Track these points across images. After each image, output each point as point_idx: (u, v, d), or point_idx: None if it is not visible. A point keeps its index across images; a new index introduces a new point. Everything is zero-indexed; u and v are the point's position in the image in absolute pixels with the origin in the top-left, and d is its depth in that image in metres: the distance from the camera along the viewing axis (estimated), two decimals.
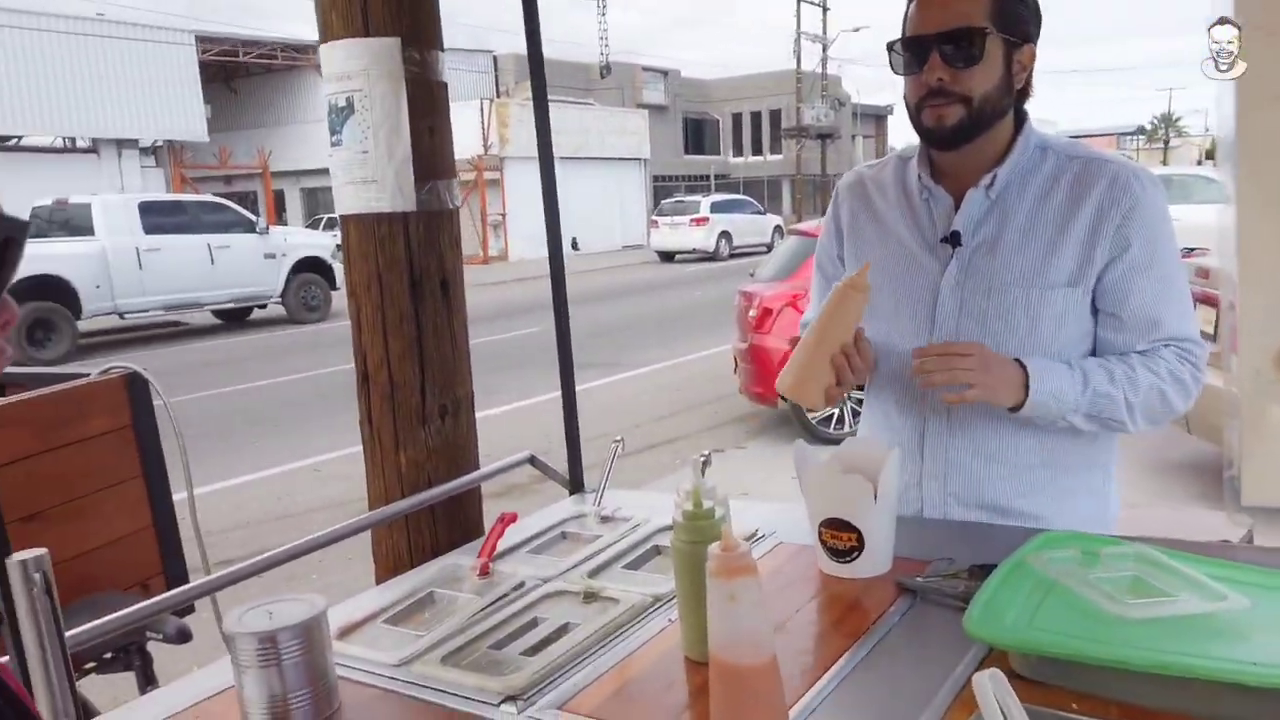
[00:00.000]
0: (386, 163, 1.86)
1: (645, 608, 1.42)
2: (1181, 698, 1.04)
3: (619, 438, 1.96)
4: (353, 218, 1.91)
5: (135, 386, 2.07)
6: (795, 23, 35.08)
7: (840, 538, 1.45)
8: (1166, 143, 70.04)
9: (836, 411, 7.03)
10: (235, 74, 30.24)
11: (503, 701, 1.19)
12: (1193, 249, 7.56)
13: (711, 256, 25.21)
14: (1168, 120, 72.41)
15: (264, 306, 16.72)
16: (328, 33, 1.86)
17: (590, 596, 1.47)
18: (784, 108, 39.45)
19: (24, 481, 1.92)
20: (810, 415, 7.02)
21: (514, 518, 1.71)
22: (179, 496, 2.35)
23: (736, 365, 7.57)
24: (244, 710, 1.17)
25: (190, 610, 2.18)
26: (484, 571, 1.58)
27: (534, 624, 1.42)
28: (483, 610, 1.44)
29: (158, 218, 14.90)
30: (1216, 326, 4.96)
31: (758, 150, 43.06)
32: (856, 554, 1.44)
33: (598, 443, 2.22)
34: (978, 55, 1.50)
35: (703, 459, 1.70)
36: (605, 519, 1.82)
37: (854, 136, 45.06)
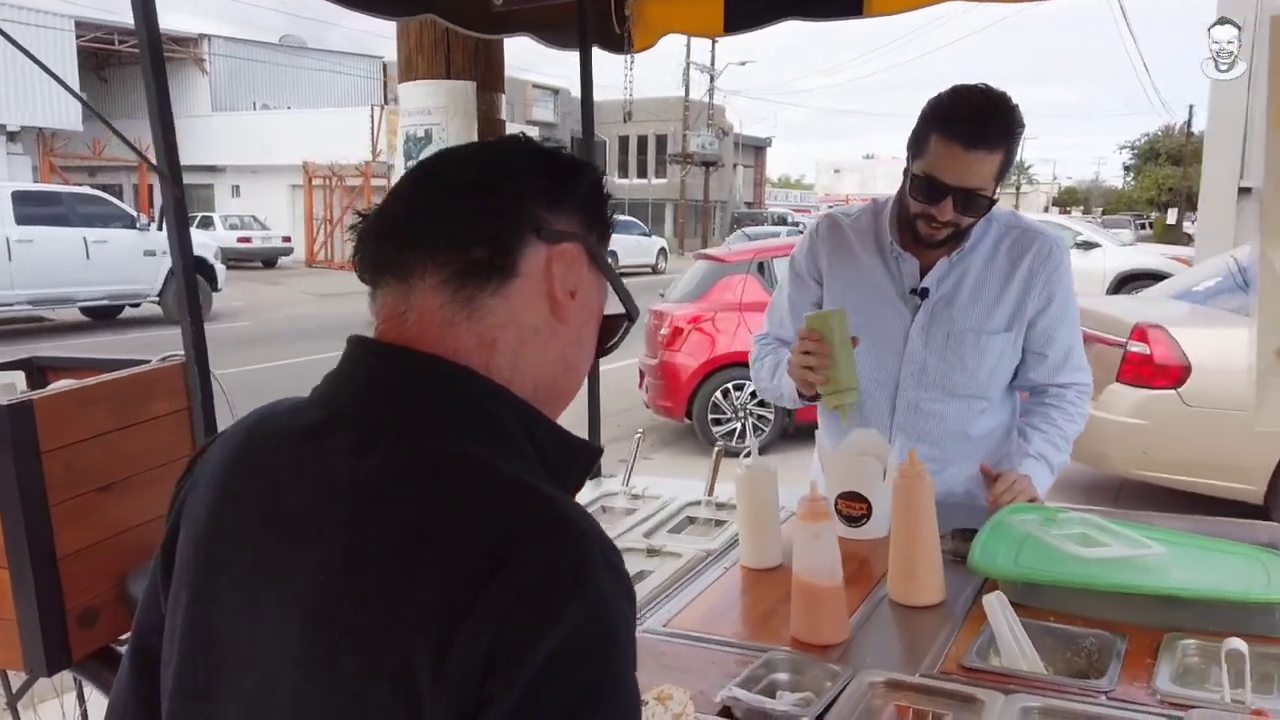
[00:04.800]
0: None
1: (702, 559, 1.76)
2: (1124, 610, 1.46)
3: (640, 430, 2.29)
4: None
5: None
6: (685, 52, 36.12)
7: (855, 507, 1.83)
8: (1017, 189, 74.99)
9: (738, 427, 7.50)
10: (108, 62, 28.94)
11: None
12: None
13: None
14: (1019, 168, 77.52)
15: (137, 305, 16.16)
16: (410, 72, 2.15)
17: (654, 551, 1.80)
18: (670, 133, 40.46)
19: (101, 454, 2.10)
20: (715, 429, 7.48)
21: None
22: None
23: (643, 380, 7.97)
24: None
25: None
26: None
27: None
28: None
29: (31, 208, 14.24)
30: None
31: (643, 173, 43.94)
32: (866, 519, 1.83)
33: None
34: (981, 211, 1.90)
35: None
36: (635, 496, 2.16)
37: (735, 165, 46.54)
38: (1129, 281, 13.92)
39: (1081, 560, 1.53)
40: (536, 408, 0.82)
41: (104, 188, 22.72)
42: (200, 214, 27.03)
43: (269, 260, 26.20)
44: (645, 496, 2.15)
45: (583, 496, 2.18)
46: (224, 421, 2.48)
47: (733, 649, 1.43)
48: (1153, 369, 4.98)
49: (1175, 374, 4.93)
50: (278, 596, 0.75)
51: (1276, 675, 1.30)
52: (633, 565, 1.76)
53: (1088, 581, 1.47)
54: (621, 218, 29.08)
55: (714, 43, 36.85)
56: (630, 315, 0.93)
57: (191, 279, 1.43)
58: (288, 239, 26.53)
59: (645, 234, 29.25)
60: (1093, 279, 13.79)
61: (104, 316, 16.15)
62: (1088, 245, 14.68)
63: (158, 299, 15.81)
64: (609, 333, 0.92)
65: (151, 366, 2.28)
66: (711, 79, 37.70)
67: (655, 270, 27.05)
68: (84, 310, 15.88)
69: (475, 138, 2.14)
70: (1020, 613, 1.45)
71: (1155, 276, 12.86)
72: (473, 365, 0.79)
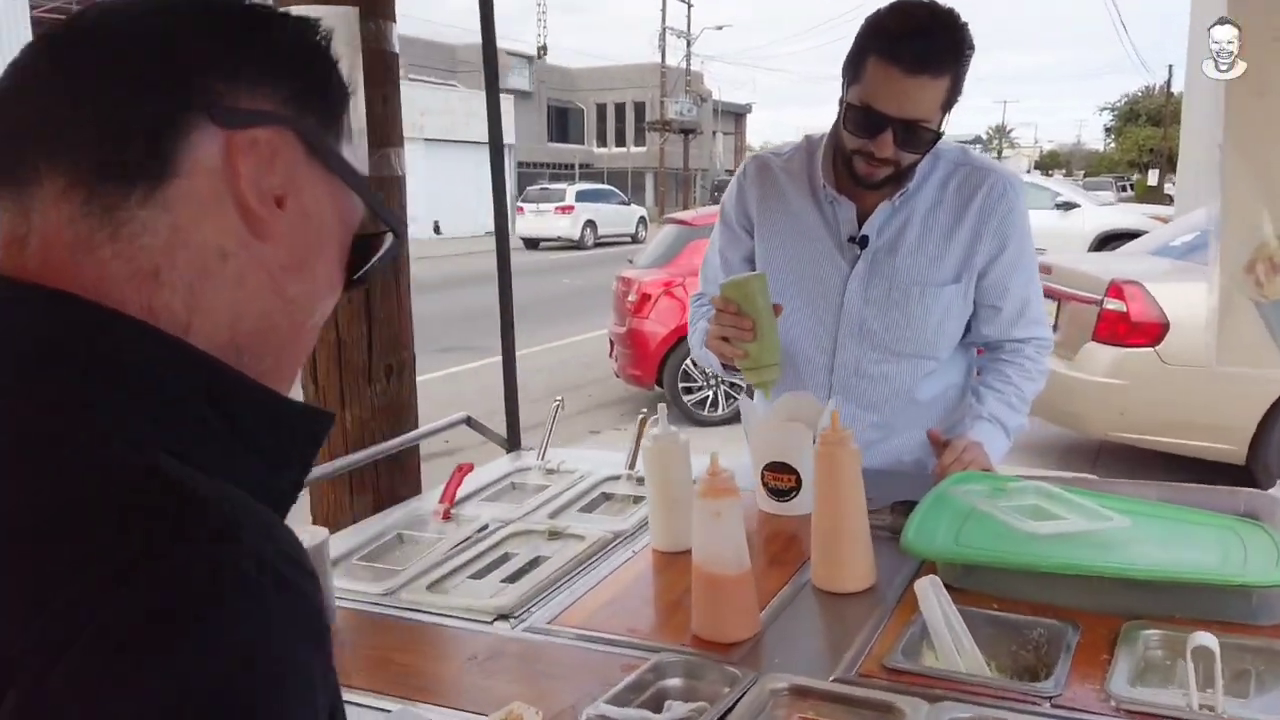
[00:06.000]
0: None
1: (609, 542, 1.55)
2: (1078, 594, 1.26)
3: (559, 397, 2.08)
4: None
5: None
6: (660, 17, 35.60)
7: (782, 479, 1.62)
8: (1000, 153, 74.76)
9: (710, 395, 7.30)
10: None
11: (496, 619, 1.30)
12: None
13: (577, 245, 25.29)
14: (1001, 131, 77.23)
15: None
16: None
17: (555, 534, 1.59)
18: (648, 101, 39.95)
19: None
20: (686, 398, 7.28)
21: (470, 468, 1.81)
22: None
23: (613, 349, 7.75)
24: None
25: None
26: (446, 516, 1.68)
27: (506, 558, 1.53)
28: (456, 547, 1.54)
29: None
30: (1057, 319, 5.47)
31: (621, 142, 43.43)
32: (795, 493, 1.62)
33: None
34: (925, 146, 1.66)
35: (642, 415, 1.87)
36: (550, 471, 1.94)
37: (714, 133, 46.08)
38: (1110, 241, 13.74)
39: (1031, 537, 1.33)
40: (230, 364, 0.58)
41: None
42: None
43: None
44: (561, 471, 1.94)
45: (494, 472, 1.97)
46: None
47: (624, 650, 1.22)
48: (1129, 326, 4.79)
49: (1153, 331, 4.74)
50: None
51: (1254, 671, 1.10)
52: (528, 550, 1.55)
53: (1035, 562, 1.26)
54: (600, 186, 28.94)
55: (689, 7, 36.38)
56: (393, 229, 0.69)
57: None
58: None
59: (625, 203, 28.88)
60: (1073, 239, 13.63)
61: None
62: (1068, 205, 14.52)
63: None
64: (361, 256, 0.68)
65: None
66: (688, 44, 37.19)
67: (635, 239, 26.67)
68: None
69: (360, 73, 1.90)
70: (961, 599, 1.25)
71: (1137, 236, 12.68)
72: (127, 305, 0.56)
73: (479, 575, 1.46)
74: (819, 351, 1.86)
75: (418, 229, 27.69)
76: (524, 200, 26.60)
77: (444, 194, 29.02)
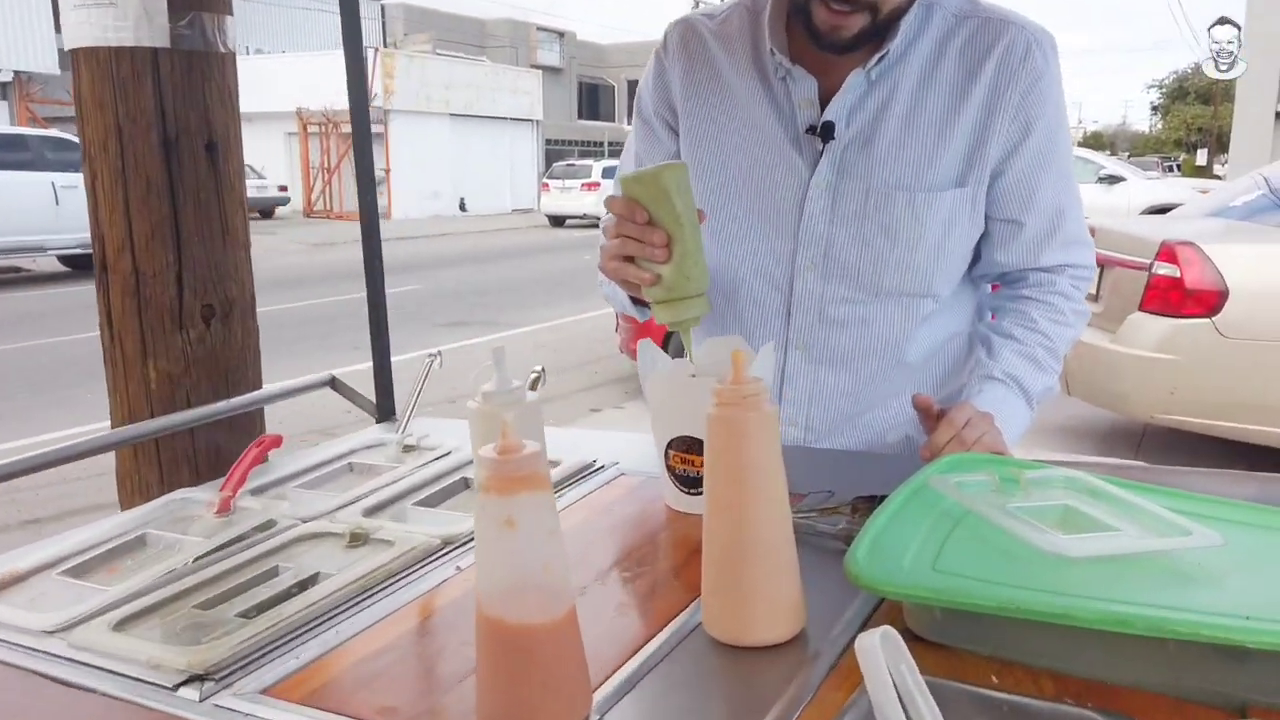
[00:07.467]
0: None
1: (430, 552, 1.05)
2: (1136, 663, 0.74)
3: (436, 350, 1.58)
4: (85, 52, 1.47)
5: None
6: None
7: (691, 462, 1.12)
8: None
9: None
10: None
11: (183, 683, 0.81)
12: None
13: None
14: None
15: None
16: None
17: (357, 539, 1.09)
18: None
19: None
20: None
21: (276, 442, 1.31)
22: None
23: (619, 323, 7.27)
24: None
25: None
26: (224, 508, 1.19)
27: (273, 574, 1.03)
28: (202, 558, 1.05)
29: None
30: (1099, 287, 4.88)
31: None
32: None
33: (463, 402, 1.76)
34: None
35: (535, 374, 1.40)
36: (409, 448, 1.45)
37: None
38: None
39: (1059, 561, 0.81)
40: None
41: None
42: None
43: (265, 210, 25.43)
44: (421, 448, 1.44)
45: (338, 446, 1.48)
46: None
47: None
48: (1183, 294, 4.21)
49: (1210, 300, 4.15)
50: None
51: None
52: (310, 563, 1.05)
53: (1065, 609, 0.74)
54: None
55: None
56: None
57: None
58: (284, 188, 25.71)
59: None
60: (1118, 215, 13.04)
61: (85, 266, 15.61)
62: (1112, 179, 13.92)
63: None
64: None
65: None
66: None
67: None
68: (61, 259, 15.38)
69: None
70: (935, 663, 0.74)
71: None
72: None
73: (210, 605, 0.97)
74: (770, 289, 1.35)
75: (443, 205, 27.31)
76: (549, 177, 26.12)
77: (470, 170, 28.60)
